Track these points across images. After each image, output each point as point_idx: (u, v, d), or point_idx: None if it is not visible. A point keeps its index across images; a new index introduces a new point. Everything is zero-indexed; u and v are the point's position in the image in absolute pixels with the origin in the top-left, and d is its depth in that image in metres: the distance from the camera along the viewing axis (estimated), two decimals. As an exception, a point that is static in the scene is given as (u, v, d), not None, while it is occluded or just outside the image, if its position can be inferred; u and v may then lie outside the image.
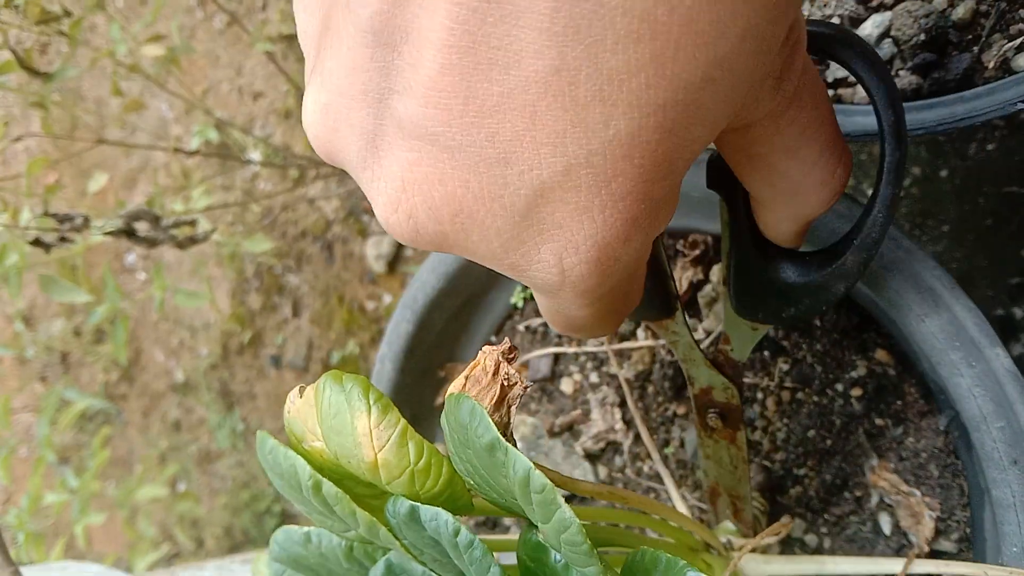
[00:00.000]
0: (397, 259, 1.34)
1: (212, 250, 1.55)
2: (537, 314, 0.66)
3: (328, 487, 0.37)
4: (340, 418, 0.37)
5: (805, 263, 0.39)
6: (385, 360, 0.67)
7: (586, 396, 0.64)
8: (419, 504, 0.36)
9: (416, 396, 0.69)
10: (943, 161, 0.76)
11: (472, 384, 0.41)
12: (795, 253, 0.39)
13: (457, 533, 0.36)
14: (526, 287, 0.65)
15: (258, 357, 1.53)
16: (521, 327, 0.67)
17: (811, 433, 0.55)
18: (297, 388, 0.40)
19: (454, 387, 0.41)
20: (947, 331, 0.45)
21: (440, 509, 0.36)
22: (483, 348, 0.40)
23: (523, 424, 0.66)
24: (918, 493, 0.50)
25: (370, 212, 1.36)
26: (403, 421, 0.37)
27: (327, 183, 1.41)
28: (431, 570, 0.42)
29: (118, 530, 1.52)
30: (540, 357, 0.65)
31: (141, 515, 1.61)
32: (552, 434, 0.65)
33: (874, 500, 0.53)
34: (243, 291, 1.54)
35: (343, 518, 0.39)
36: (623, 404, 0.62)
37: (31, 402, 1.91)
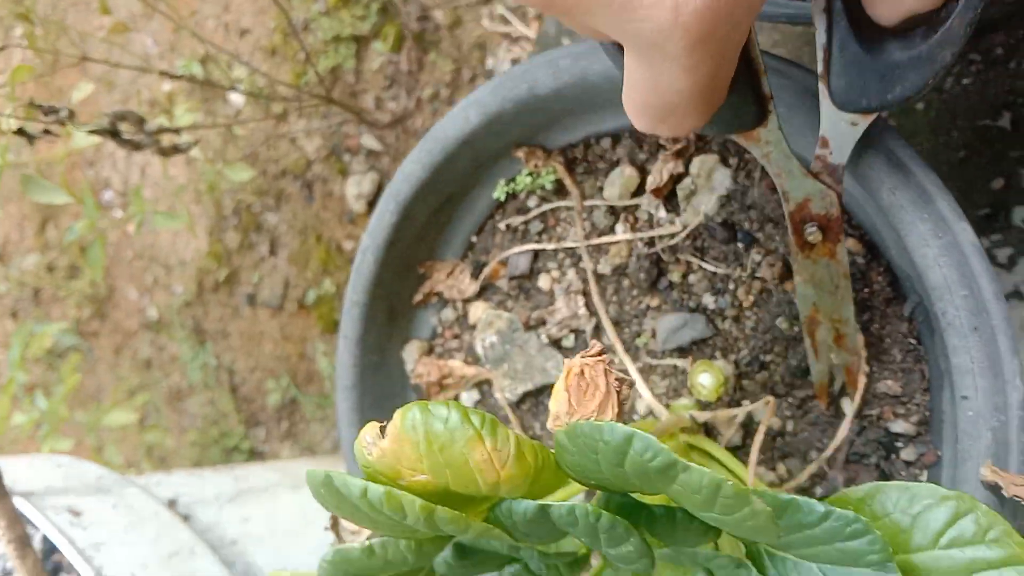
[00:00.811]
0: (376, 199, 1.34)
1: (191, 186, 1.55)
2: (518, 212, 0.67)
3: (442, 512, 0.37)
4: (450, 451, 0.37)
5: (909, 37, 0.38)
6: (367, 252, 0.67)
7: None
8: (549, 503, 0.37)
9: (395, 291, 0.70)
10: (920, 94, 0.77)
11: (581, 395, 0.41)
12: (898, 30, 0.39)
13: (599, 517, 0.37)
14: (509, 181, 0.66)
15: (233, 295, 1.53)
16: (502, 225, 0.68)
17: (780, 321, 0.56)
18: (374, 428, 0.39)
19: (560, 399, 0.41)
20: (917, 203, 0.47)
21: (577, 503, 0.37)
22: (576, 359, 0.40)
23: (498, 319, 0.67)
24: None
25: (351, 151, 1.36)
26: (511, 432, 0.38)
27: (309, 121, 1.41)
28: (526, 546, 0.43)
29: (86, 457, 1.52)
30: (519, 254, 0.67)
31: (109, 445, 1.61)
32: (527, 327, 0.66)
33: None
34: (220, 229, 1.54)
35: (448, 531, 0.39)
36: (587, 293, 0.63)
37: (1, 338, 1.89)
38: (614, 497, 0.41)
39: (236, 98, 1.48)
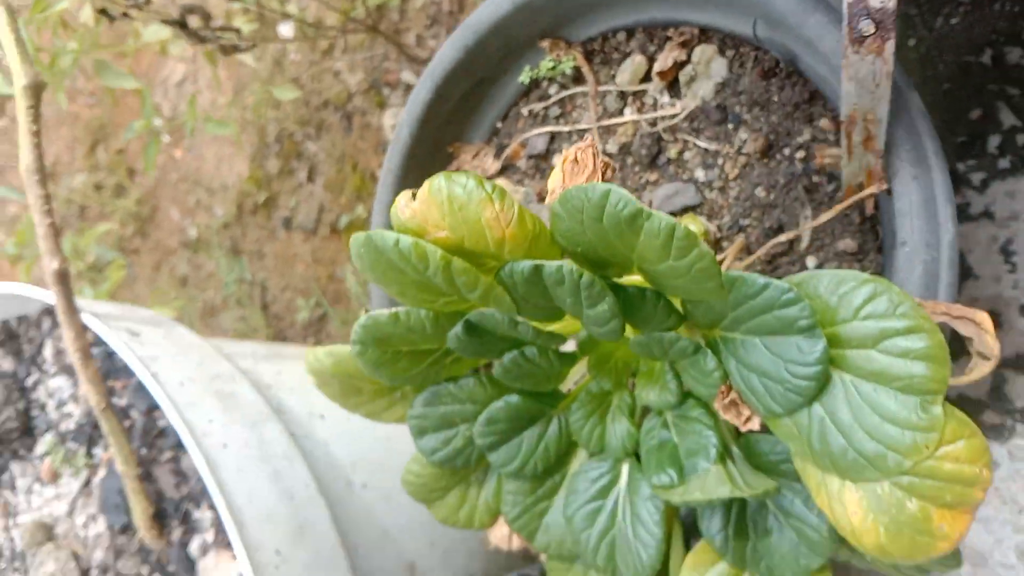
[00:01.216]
0: (412, 132, 1.43)
1: (238, 115, 1.65)
2: (540, 99, 0.76)
3: (457, 262, 0.47)
4: (466, 210, 0.47)
5: None
6: (403, 127, 0.76)
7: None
8: (543, 262, 0.46)
9: (427, 167, 0.79)
10: (912, 31, 0.86)
11: (573, 174, 0.51)
12: None
13: (581, 276, 0.46)
14: (533, 67, 0.75)
15: (270, 219, 1.63)
16: (524, 111, 0.77)
17: (759, 191, 0.65)
18: (407, 194, 0.49)
19: (556, 179, 0.51)
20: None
21: (565, 261, 0.46)
22: (573, 147, 0.49)
23: (516, 192, 0.76)
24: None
25: (390, 84, 1.46)
26: (515, 200, 0.47)
27: (353, 56, 1.50)
28: (523, 320, 0.52)
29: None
30: (538, 136, 0.75)
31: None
32: (540, 199, 0.75)
33: (804, 243, 0.63)
34: (262, 156, 1.64)
35: (461, 285, 0.48)
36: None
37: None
38: (596, 275, 0.50)
39: (286, 30, 1.57)
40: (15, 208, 2.07)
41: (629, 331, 0.55)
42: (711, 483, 0.52)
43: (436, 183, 0.47)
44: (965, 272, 0.83)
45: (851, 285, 0.45)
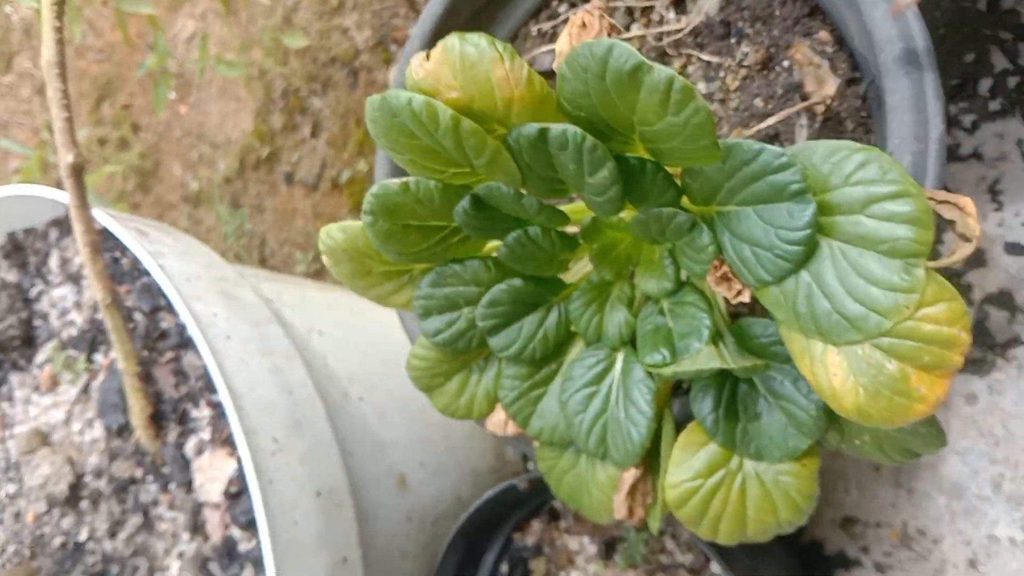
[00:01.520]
0: (416, 90, 1.45)
1: (244, 70, 1.67)
2: (549, 18, 0.78)
3: (466, 123, 0.49)
4: (477, 68, 0.49)
5: None
6: (415, 39, 0.78)
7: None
8: (548, 125, 0.48)
9: None
10: (911, -21, 0.88)
11: (580, 37, 0.53)
12: None
13: (584, 139, 0.48)
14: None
15: (272, 173, 1.65)
16: (534, 31, 0.79)
17: (757, 101, 0.67)
18: (421, 55, 0.51)
19: (563, 43, 0.53)
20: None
21: (568, 125, 0.48)
22: (580, 10, 0.51)
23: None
24: (826, 63, 0.62)
25: (398, 41, 1.48)
26: (524, 62, 0.49)
27: (362, 14, 1.52)
28: (527, 192, 0.54)
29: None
30: (545, 53, 0.77)
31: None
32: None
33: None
34: (267, 111, 1.66)
35: (469, 150, 0.50)
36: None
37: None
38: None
39: (297, -14, 1.60)
40: (17, 161, 2.09)
41: (628, 213, 0.57)
42: (702, 359, 0.55)
43: (449, 42, 0.49)
44: (953, 213, 0.86)
45: (844, 153, 0.47)
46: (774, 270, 0.49)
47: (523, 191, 0.54)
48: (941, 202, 0.53)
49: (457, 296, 0.61)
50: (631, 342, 0.61)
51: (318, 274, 1.58)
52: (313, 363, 0.83)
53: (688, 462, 0.59)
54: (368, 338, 0.96)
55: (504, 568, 0.92)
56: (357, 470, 0.79)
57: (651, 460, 0.64)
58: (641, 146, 0.50)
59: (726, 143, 0.48)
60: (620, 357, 0.61)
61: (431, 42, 0.78)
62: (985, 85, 0.85)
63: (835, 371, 0.48)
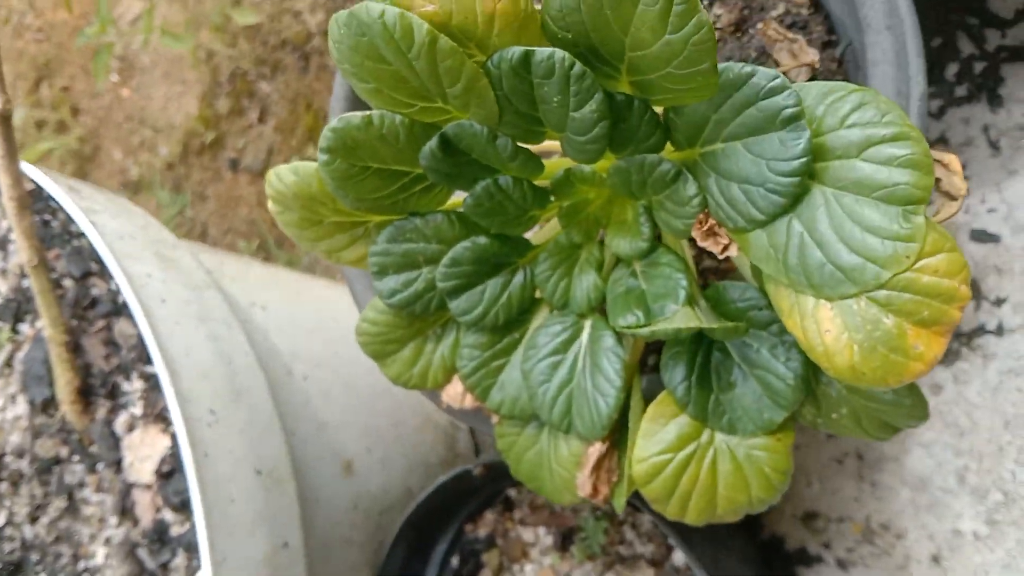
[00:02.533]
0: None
1: (189, 55, 1.60)
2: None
3: (443, 40, 0.44)
4: None
5: None
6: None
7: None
8: (533, 47, 0.44)
9: None
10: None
11: None
12: None
13: (572, 66, 0.44)
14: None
15: (216, 159, 1.59)
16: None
17: (732, 60, 0.64)
18: None
19: None
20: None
21: (556, 48, 0.44)
22: None
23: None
24: (801, 37, 0.60)
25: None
26: None
27: (317, -4, 1.48)
28: (504, 132, 0.50)
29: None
30: None
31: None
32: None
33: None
34: (214, 95, 1.60)
35: (444, 74, 0.46)
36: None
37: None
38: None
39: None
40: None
41: (604, 164, 0.53)
42: (680, 318, 0.51)
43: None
44: (921, 199, 0.84)
45: (840, 94, 0.44)
46: (767, 207, 0.45)
47: (497, 132, 0.50)
48: (927, 159, 0.51)
49: (416, 253, 0.57)
50: (600, 309, 0.58)
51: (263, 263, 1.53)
52: (254, 337, 0.77)
53: (657, 435, 0.56)
54: (315, 317, 0.91)
55: (455, 561, 0.87)
56: (300, 450, 0.74)
57: (617, 435, 0.60)
58: (627, 80, 0.47)
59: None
60: (588, 324, 0.58)
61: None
62: (952, 70, 0.84)
63: (828, 327, 0.45)
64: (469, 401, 0.62)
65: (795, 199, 0.45)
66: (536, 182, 0.56)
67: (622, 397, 0.55)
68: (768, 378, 0.53)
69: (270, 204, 0.57)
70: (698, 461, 0.56)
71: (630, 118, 0.48)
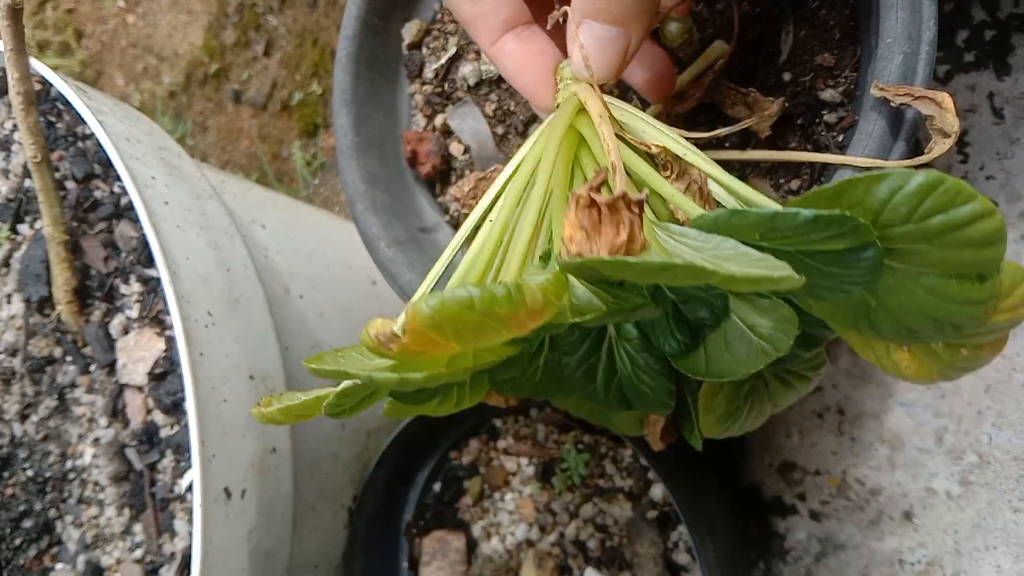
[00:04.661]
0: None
1: (199, -18, 1.59)
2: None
3: None
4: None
5: None
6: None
7: None
8: None
9: (382, 41, 0.77)
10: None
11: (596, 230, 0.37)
12: None
13: None
14: None
15: (219, 90, 1.58)
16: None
17: (744, 5, 0.65)
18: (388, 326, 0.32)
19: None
20: None
21: None
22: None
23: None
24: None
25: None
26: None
27: (330, -68, 1.47)
28: None
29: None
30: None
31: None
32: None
33: (783, 57, 0.63)
34: (220, 25, 1.59)
35: None
36: None
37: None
38: None
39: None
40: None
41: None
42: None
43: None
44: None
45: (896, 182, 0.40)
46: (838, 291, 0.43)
47: None
48: (918, 97, 0.52)
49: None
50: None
51: (260, 198, 1.53)
52: (255, 252, 0.78)
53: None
54: (313, 241, 0.92)
55: (437, 486, 0.89)
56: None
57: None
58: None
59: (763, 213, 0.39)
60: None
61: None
62: (961, 36, 0.85)
63: (907, 364, 0.46)
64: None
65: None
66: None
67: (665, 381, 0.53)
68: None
69: None
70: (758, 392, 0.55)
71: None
